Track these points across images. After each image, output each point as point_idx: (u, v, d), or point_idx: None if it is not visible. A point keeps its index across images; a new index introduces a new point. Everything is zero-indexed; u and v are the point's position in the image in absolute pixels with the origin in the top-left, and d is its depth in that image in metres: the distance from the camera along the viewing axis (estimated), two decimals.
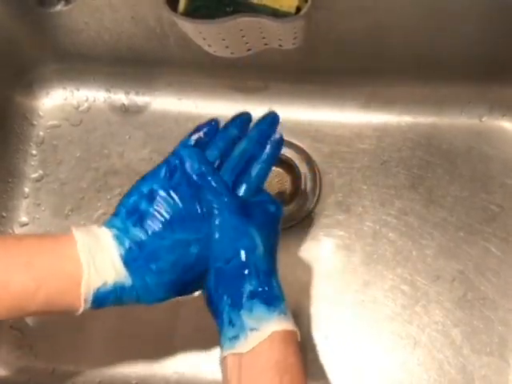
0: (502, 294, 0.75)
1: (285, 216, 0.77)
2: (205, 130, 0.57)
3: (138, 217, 0.51)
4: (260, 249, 0.52)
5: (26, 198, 0.82)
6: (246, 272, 0.51)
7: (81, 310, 0.49)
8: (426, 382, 0.72)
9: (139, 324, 0.75)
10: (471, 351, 0.73)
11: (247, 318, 0.49)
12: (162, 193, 0.52)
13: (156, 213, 0.51)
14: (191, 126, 0.82)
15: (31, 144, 0.84)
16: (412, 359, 0.73)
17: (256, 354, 0.49)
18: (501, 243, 0.77)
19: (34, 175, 0.83)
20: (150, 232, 0.50)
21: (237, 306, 0.50)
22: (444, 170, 0.80)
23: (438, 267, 0.76)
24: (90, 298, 0.49)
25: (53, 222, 0.81)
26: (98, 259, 0.49)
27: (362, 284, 0.76)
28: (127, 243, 0.50)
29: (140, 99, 0.85)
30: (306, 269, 0.77)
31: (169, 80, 0.84)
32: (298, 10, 0.65)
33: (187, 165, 0.53)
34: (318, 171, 0.80)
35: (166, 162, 0.54)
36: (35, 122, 0.85)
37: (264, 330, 0.49)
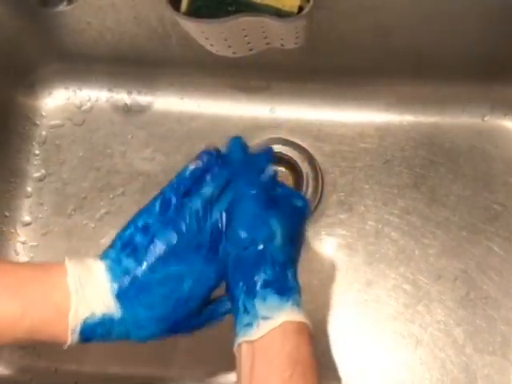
0: (505, 293, 0.75)
1: None
2: (204, 159, 0.55)
3: (132, 249, 0.51)
4: (278, 239, 0.52)
5: (28, 197, 0.82)
6: (262, 261, 0.51)
7: (68, 341, 0.48)
8: (429, 381, 0.72)
9: None
10: (474, 350, 0.73)
11: (260, 307, 0.50)
12: (156, 226, 0.51)
13: (150, 246, 0.51)
14: (194, 126, 0.84)
15: (34, 144, 0.84)
16: (414, 358, 0.73)
17: (268, 343, 0.49)
18: (503, 242, 0.77)
19: (37, 175, 0.83)
20: (142, 265, 0.50)
21: (251, 293, 0.50)
22: (446, 169, 0.80)
23: (440, 266, 0.76)
24: (78, 328, 0.48)
25: (55, 222, 0.81)
26: (87, 290, 0.48)
27: (364, 283, 0.76)
28: (119, 275, 0.50)
29: (142, 99, 0.85)
30: (308, 268, 0.77)
31: (171, 80, 0.84)
32: (300, 9, 0.65)
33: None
34: (320, 170, 0.80)
35: (161, 195, 0.53)
36: (38, 122, 0.85)
37: (276, 318, 0.49)
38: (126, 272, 0.50)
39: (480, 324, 0.74)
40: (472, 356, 0.73)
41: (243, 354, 0.50)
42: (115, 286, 0.49)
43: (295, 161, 0.80)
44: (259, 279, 0.51)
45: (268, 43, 0.70)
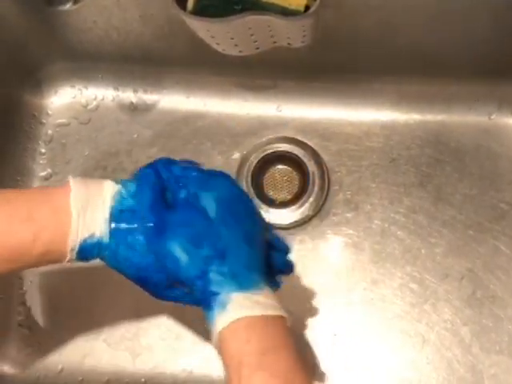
0: None
1: (293, 214, 0.78)
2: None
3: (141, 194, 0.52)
4: None
5: None
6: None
7: (67, 259, 0.50)
8: (435, 380, 0.72)
9: (148, 322, 0.75)
10: (480, 350, 0.73)
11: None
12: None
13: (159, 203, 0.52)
14: (200, 124, 0.84)
15: (40, 142, 0.84)
16: (421, 357, 0.73)
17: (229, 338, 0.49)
18: (510, 241, 0.77)
19: (43, 173, 0.83)
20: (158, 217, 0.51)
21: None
22: (453, 168, 0.80)
23: (446, 265, 0.76)
24: (76, 248, 0.49)
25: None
26: (89, 211, 0.49)
27: (370, 282, 0.76)
28: (120, 207, 0.51)
29: (148, 97, 0.85)
30: (315, 267, 0.77)
31: (177, 78, 0.84)
32: (307, 8, 0.65)
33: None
34: (327, 169, 0.80)
35: None
36: (44, 121, 0.85)
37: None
38: (127, 208, 0.51)
39: (487, 323, 0.74)
40: (479, 355, 0.73)
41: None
42: (115, 212, 0.50)
43: (301, 159, 0.80)
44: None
45: (275, 42, 0.70)
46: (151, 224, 0.50)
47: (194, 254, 0.50)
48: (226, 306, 0.49)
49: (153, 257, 0.50)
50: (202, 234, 0.50)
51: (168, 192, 0.53)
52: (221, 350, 0.49)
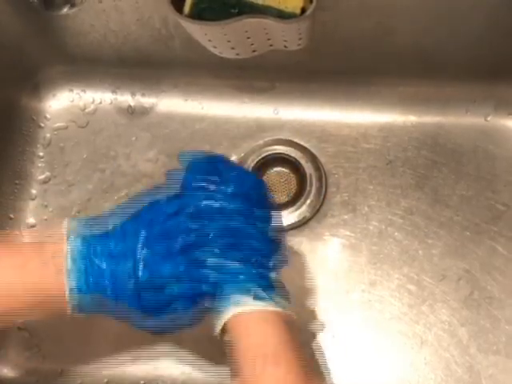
0: (509, 293, 0.75)
1: (291, 216, 0.78)
2: None
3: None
4: None
5: (33, 199, 0.82)
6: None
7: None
8: (433, 381, 0.72)
9: None
10: (478, 350, 0.73)
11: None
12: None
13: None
14: (198, 127, 0.84)
15: (38, 146, 0.84)
16: (419, 358, 0.73)
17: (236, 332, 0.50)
18: (507, 242, 0.77)
19: (41, 177, 0.83)
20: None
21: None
22: (450, 170, 0.80)
23: (444, 266, 0.76)
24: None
25: (60, 224, 0.81)
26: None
27: (368, 284, 0.76)
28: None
29: (146, 101, 0.86)
30: (312, 269, 0.77)
31: (175, 81, 0.85)
32: (303, 11, 0.65)
33: None
34: (324, 171, 0.80)
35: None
36: (42, 124, 0.85)
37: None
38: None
39: (484, 324, 0.74)
40: (476, 356, 0.73)
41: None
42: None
43: (299, 162, 0.80)
44: None
45: (271, 45, 0.70)
46: None
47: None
48: (242, 298, 0.49)
49: None
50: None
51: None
52: (233, 342, 0.49)
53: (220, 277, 0.50)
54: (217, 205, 0.52)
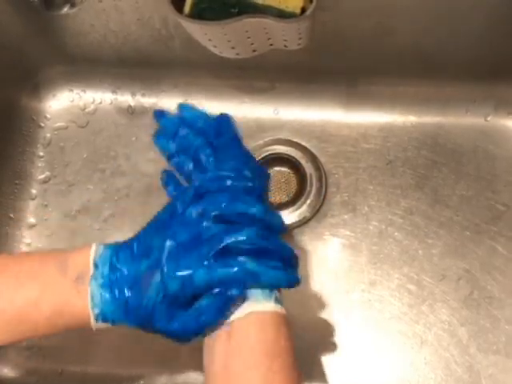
0: (509, 293, 0.75)
1: (291, 216, 0.78)
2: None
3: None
4: None
5: (33, 199, 0.82)
6: None
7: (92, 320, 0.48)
8: (433, 380, 0.72)
9: None
10: (478, 350, 0.73)
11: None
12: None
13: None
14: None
15: (38, 146, 0.84)
16: (419, 358, 0.73)
17: (244, 333, 0.48)
18: (507, 242, 0.77)
19: (41, 177, 0.83)
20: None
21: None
22: (449, 170, 0.80)
23: (444, 266, 0.76)
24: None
25: (60, 223, 0.81)
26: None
27: (368, 283, 0.76)
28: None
29: (146, 101, 0.86)
30: (313, 268, 0.77)
31: (175, 81, 0.85)
32: (303, 10, 0.65)
33: None
34: (324, 171, 0.80)
35: None
36: (42, 124, 0.85)
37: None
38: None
39: (484, 324, 0.74)
40: (476, 356, 0.73)
41: (217, 339, 0.48)
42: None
43: (299, 161, 0.80)
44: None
45: (271, 44, 0.70)
46: None
47: None
48: (264, 298, 0.48)
49: None
50: None
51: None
52: (236, 339, 0.48)
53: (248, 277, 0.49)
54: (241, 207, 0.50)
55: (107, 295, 0.48)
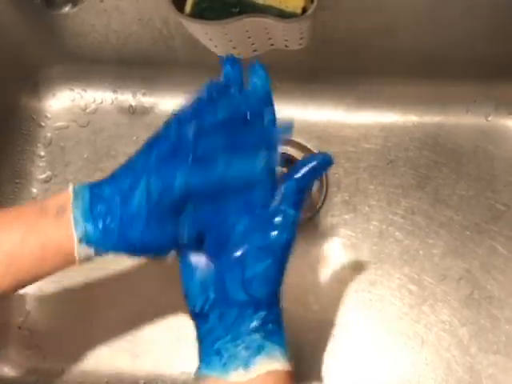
0: (509, 293, 0.75)
1: None
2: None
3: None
4: None
5: (33, 198, 0.82)
6: None
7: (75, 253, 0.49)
8: (434, 381, 0.72)
9: (147, 324, 0.75)
10: (478, 350, 0.73)
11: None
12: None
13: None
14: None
15: (39, 145, 0.84)
16: (419, 358, 0.73)
17: None
18: (507, 242, 0.77)
19: (42, 176, 0.83)
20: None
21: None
22: (450, 170, 0.80)
23: (444, 266, 0.76)
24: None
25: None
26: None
27: (368, 283, 0.76)
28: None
29: (147, 100, 0.86)
30: (313, 268, 0.77)
31: (176, 81, 0.84)
32: (304, 10, 0.65)
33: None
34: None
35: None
36: (43, 124, 0.85)
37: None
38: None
39: (484, 324, 0.74)
40: (477, 356, 0.73)
41: None
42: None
43: None
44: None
45: (272, 44, 0.70)
46: None
47: None
48: (280, 356, 0.48)
49: None
50: None
51: None
52: None
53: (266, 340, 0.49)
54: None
55: (88, 214, 0.48)
